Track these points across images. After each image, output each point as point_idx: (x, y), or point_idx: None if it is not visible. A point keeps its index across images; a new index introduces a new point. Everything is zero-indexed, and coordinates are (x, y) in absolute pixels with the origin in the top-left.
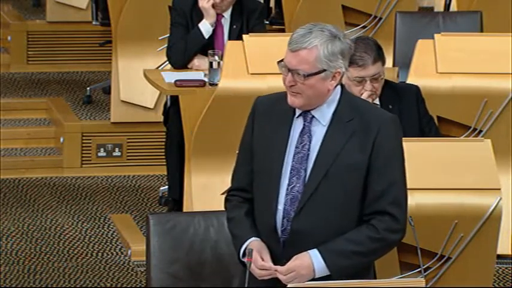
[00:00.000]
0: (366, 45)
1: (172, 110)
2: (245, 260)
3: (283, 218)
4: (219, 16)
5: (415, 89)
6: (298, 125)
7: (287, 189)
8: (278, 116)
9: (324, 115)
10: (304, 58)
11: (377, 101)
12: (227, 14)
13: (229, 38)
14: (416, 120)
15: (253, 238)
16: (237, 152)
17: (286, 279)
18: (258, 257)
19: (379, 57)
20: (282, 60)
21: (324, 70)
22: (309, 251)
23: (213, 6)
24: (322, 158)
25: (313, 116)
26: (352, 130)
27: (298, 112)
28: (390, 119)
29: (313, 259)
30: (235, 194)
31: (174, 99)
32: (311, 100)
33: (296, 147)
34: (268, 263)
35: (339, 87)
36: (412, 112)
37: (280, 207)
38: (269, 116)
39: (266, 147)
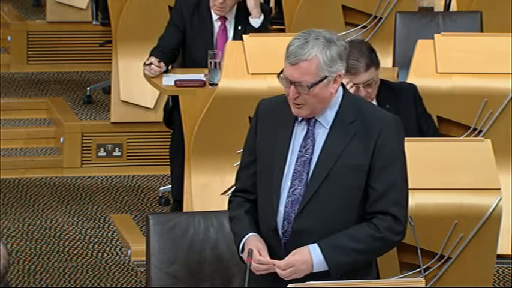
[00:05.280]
0: (358, 52)
1: (176, 111)
2: (245, 260)
3: (284, 220)
4: (222, 19)
5: (413, 88)
6: (301, 128)
7: (288, 191)
8: (281, 118)
9: (327, 118)
10: (306, 69)
11: (374, 102)
12: (231, 17)
13: (235, 40)
14: (415, 119)
15: (250, 233)
16: (241, 151)
17: (285, 274)
18: (256, 252)
19: (372, 63)
20: (280, 73)
21: (326, 77)
22: (308, 245)
23: (215, 8)
24: (323, 160)
25: (316, 120)
26: (354, 131)
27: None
28: (392, 120)
29: (312, 254)
30: (238, 195)
31: (177, 101)
32: (316, 107)
33: (299, 151)
34: (266, 258)
35: (340, 89)
36: (410, 111)
37: (281, 208)
38: (272, 119)
39: (269, 149)
